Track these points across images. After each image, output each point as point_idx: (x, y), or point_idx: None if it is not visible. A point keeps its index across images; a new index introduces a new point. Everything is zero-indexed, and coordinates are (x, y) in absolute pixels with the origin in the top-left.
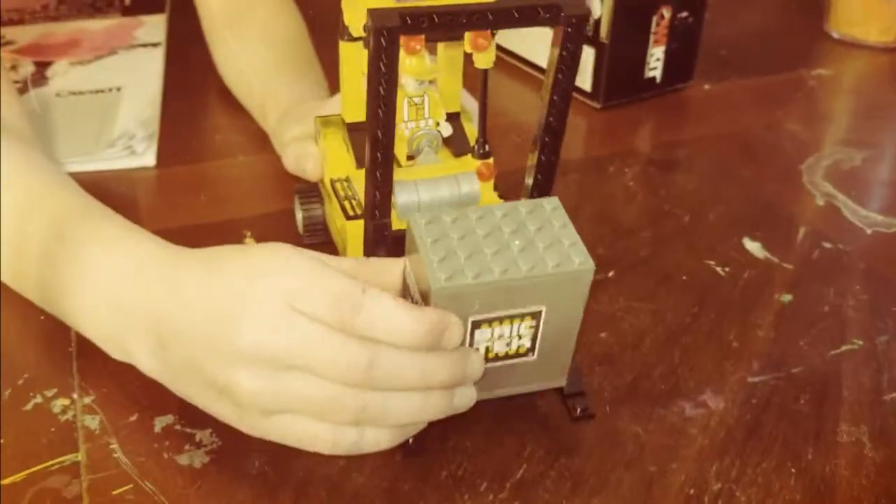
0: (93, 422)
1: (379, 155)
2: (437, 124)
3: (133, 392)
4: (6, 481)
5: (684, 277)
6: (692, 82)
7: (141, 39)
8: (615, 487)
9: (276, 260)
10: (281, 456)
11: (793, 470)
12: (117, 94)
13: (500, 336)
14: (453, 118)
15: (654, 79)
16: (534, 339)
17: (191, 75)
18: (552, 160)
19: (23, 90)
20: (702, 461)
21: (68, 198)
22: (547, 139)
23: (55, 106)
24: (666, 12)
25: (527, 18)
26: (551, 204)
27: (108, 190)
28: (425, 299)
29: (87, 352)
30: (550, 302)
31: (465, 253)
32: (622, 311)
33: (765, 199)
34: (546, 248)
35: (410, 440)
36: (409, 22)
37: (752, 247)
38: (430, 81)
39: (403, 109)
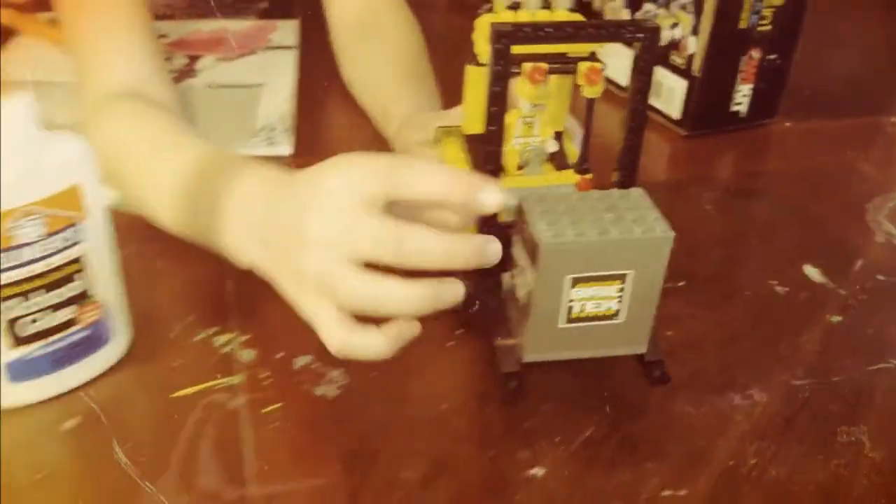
0: (248, 355)
1: (490, 163)
2: (544, 141)
3: (279, 335)
4: (179, 394)
5: (747, 293)
6: (776, 119)
7: (276, 42)
8: (667, 455)
9: (341, 160)
10: (395, 398)
11: (819, 457)
12: (258, 90)
13: (593, 296)
14: (558, 137)
15: (738, 113)
16: (620, 302)
17: (319, 78)
18: (630, 176)
19: (176, 80)
20: (743, 441)
21: (210, 150)
22: (626, 157)
23: (204, 96)
24: (755, 53)
25: (611, 34)
26: (638, 192)
27: None
28: (534, 258)
29: (243, 300)
30: (636, 266)
31: (568, 220)
32: (688, 317)
33: (829, 231)
34: (634, 221)
35: (513, 384)
36: (520, 32)
37: (812, 272)
38: (541, 105)
39: (517, 127)
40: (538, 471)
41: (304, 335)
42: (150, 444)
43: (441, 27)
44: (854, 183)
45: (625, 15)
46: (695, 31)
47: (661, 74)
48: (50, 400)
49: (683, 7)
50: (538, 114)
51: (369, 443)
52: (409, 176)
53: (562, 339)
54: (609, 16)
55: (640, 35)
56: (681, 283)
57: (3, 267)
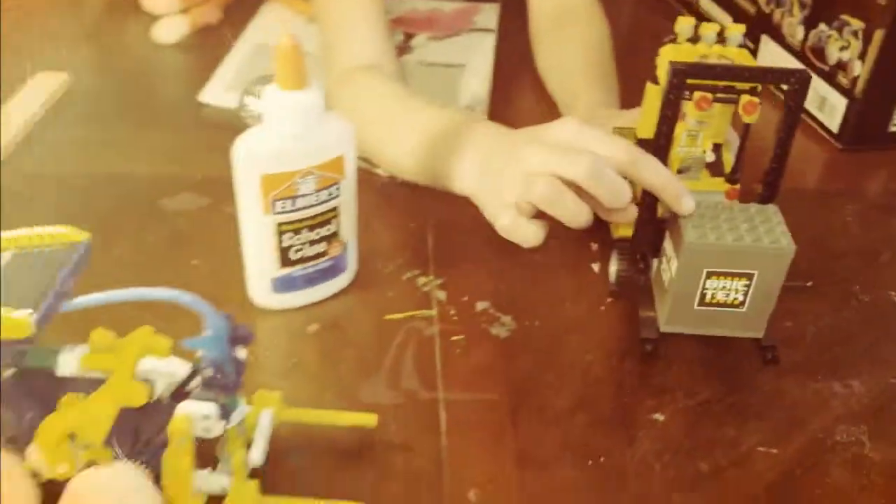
0: (441, 295)
1: None
2: (704, 152)
3: (466, 283)
4: (389, 317)
5: (866, 299)
6: None
7: (478, 24)
8: (767, 421)
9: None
10: (551, 346)
11: None
12: (460, 70)
13: (723, 287)
14: (717, 148)
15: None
16: (745, 295)
17: (514, 62)
18: (771, 193)
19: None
20: (836, 421)
21: (446, 110)
22: (770, 176)
23: (416, 72)
24: None
25: (773, 76)
26: (773, 209)
27: None
28: (678, 252)
29: (440, 252)
30: (760, 268)
31: (710, 225)
32: (808, 312)
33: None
34: (765, 232)
35: (648, 347)
36: (693, 69)
37: None
38: (705, 122)
39: (683, 137)
40: (659, 416)
41: (484, 285)
42: (368, 351)
43: (627, 23)
44: None
45: (800, 32)
46: (861, 57)
47: (825, 91)
48: (300, 308)
49: (855, 33)
50: (702, 129)
51: (529, 375)
52: (646, 160)
53: (694, 317)
54: (786, 30)
55: (794, 81)
56: (808, 283)
57: (283, 210)
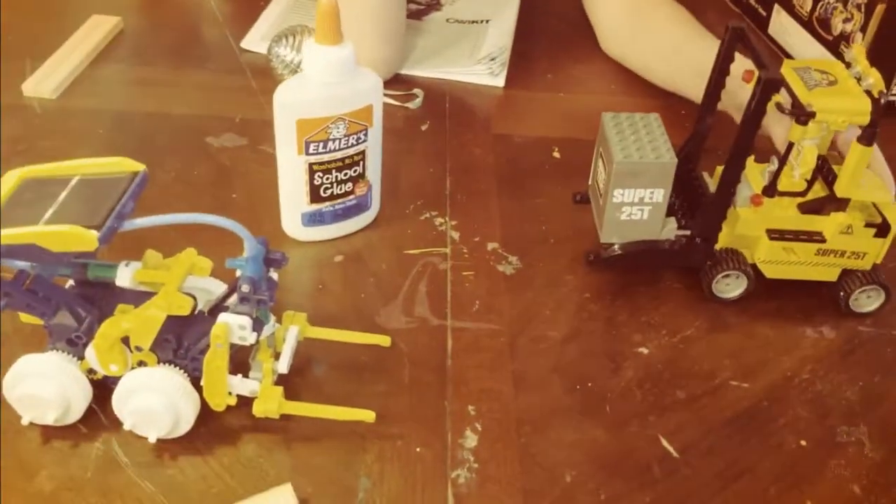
0: (454, 234)
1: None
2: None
3: (478, 225)
4: (408, 251)
5: None
6: None
7: None
8: (741, 358)
9: None
10: (552, 283)
11: (860, 383)
12: (485, 26)
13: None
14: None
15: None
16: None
17: (539, 16)
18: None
19: (424, 13)
20: (803, 362)
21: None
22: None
23: (443, 28)
24: None
25: None
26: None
27: (462, 98)
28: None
29: (455, 196)
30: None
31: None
32: None
33: None
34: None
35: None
36: (779, 81)
37: None
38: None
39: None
40: (644, 349)
41: (494, 228)
42: (386, 281)
43: None
44: None
45: (809, 2)
46: (863, 29)
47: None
48: (328, 241)
49: (858, 6)
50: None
51: (529, 308)
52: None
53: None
54: (796, 2)
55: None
56: None
57: (315, 152)
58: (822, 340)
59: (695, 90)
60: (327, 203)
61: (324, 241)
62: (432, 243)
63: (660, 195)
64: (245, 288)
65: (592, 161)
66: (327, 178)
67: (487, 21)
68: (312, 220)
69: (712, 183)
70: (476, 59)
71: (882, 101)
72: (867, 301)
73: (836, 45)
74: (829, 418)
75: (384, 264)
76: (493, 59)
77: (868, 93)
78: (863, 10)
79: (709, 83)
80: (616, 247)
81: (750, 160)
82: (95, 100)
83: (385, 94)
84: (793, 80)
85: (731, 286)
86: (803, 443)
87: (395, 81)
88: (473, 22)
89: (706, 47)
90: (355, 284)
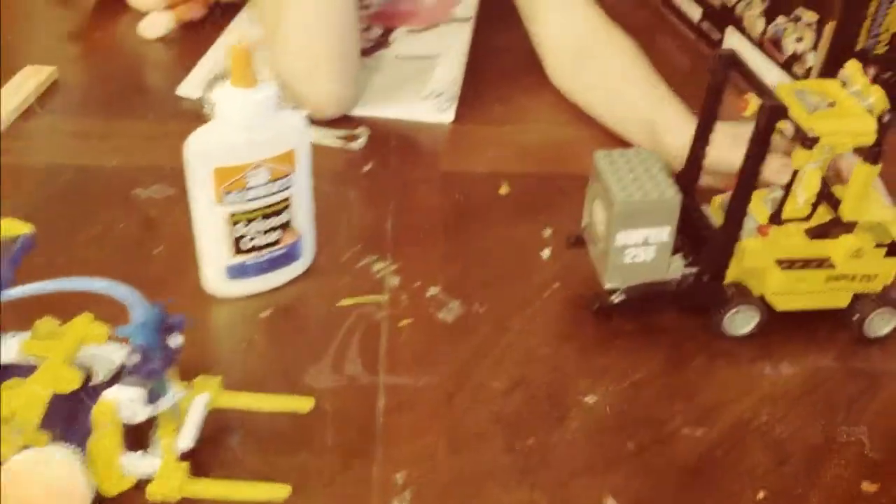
0: (394, 280)
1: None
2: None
3: (420, 269)
4: (341, 303)
5: None
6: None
7: (457, 15)
8: (696, 402)
9: None
10: (497, 328)
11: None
12: (434, 61)
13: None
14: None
15: None
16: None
17: (490, 51)
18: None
19: (372, 49)
20: (762, 402)
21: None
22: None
23: (392, 65)
24: (870, 71)
25: None
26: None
27: (409, 136)
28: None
29: (398, 238)
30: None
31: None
32: None
33: None
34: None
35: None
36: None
37: None
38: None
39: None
40: (591, 397)
41: (437, 270)
42: (316, 337)
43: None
44: None
45: (760, 24)
46: (814, 48)
47: (781, 82)
48: (254, 295)
49: (809, 25)
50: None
51: (470, 358)
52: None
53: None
54: (747, 23)
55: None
56: None
57: (234, 201)
58: (781, 378)
59: (638, 138)
60: (252, 255)
61: (251, 295)
62: (369, 292)
63: (665, 234)
64: (134, 358)
65: (585, 202)
66: (250, 229)
67: (436, 56)
68: (236, 273)
69: (713, 214)
70: (422, 96)
71: (886, 119)
72: (882, 324)
73: (788, 66)
74: (789, 465)
75: (315, 318)
76: (439, 95)
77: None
78: (814, 28)
79: (702, 112)
80: (621, 291)
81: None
82: (25, 153)
83: (325, 137)
84: (792, 104)
85: (742, 322)
86: (762, 495)
87: (339, 122)
88: (422, 58)
89: (652, 96)
90: (283, 341)
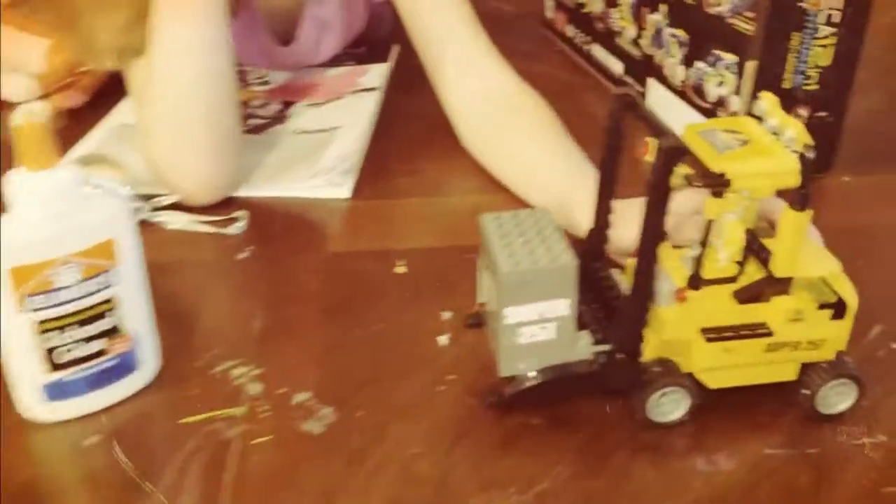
0: (255, 388)
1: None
2: None
3: (289, 371)
4: (186, 420)
5: None
6: (832, 173)
7: (363, 84)
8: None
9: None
10: (374, 438)
11: None
12: (334, 133)
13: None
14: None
15: None
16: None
17: (402, 118)
18: None
19: (268, 126)
20: None
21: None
22: None
23: (287, 141)
24: (802, 111)
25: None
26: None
27: (298, 216)
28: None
29: (266, 337)
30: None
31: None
32: None
33: (862, 289)
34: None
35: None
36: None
37: None
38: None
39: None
40: None
41: (309, 372)
42: (151, 465)
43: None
44: None
45: (680, 72)
46: (736, 91)
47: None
48: (81, 417)
49: (728, 67)
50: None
51: (336, 479)
52: None
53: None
54: (667, 71)
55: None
56: None
57: (40, 306)
58: (717, 475)
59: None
60: (72, 370)
61: (79, 417)
62: (223, 403)
63: (564, 306)
64: None
65: (477, 274)
66: (65, 338)
67: (336, 129)
68: (56, 393)
69: (624, 281)
70: (314, 172)
71: (809, 156)
72: (838, 399)
73: (713, 113)
74: None
75: (151, 441)
76: (331, 171)
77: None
78: (734, 70)
79: (602, 165)
80: (520, 379)
81: (666, 247)
82: None
83: (193, 222)
84: (698, 145)
85: (671, 406)
86: None
87: (215, 205)
88: (321, 131)
89: (565, 169)
90: (106, 475)
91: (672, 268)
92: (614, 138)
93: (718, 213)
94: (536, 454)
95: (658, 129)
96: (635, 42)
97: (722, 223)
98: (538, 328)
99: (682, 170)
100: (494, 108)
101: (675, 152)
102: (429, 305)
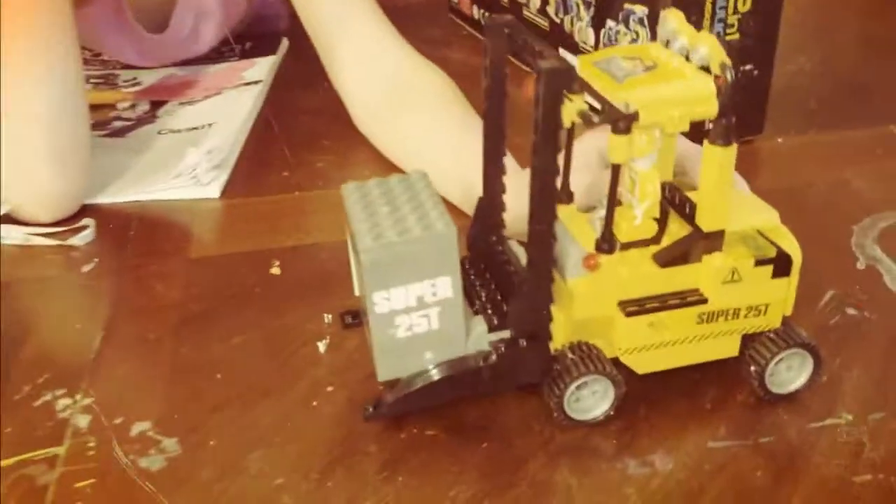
0: (83, 420)
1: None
2: None
3: (128, 398)
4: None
5: None
6: (765, 135)
7: (246, 79)
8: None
9: None
10: (226, 472)
11: None
12: (206, 131)
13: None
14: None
15: None
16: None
17: (288, 114)
18: None
19: (133, 127)
20: None
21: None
22: None
23: (152, 142)
24: None
25: None
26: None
27: (158, 221)
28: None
29: (105, 360)
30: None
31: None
32: None
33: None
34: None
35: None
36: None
37: None
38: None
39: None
40: None
41: (153, 398)
42: None
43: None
44: (842, 202)
45: (591, 35)
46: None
47: None
48: None
49: (640, 21)
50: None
51: None
52: None
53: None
54: (578, 37)
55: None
56: None
57: None
58: (653, 478)
59: (455, 199)
60: None
61: None
62: (41, 442)
63: (447, 286)
64: None
65: (350, 260)
66: None
67: (210, 125)
68: None
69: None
70: (177, 172)
71: (730, 76)
72: (791, 375)
73: None
74: None
75: None
76: (194, 170)
77: (706, 70)
78: (646, 23)
79: (486, 117)
80: (404, 384)
81: (571, 209)
82: None
83: (28, 236)
84: (594, 76)
85: (592, 400)
86: None
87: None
88: (193, 129)
89: (469, 148)
90: None
91: (580, 232)
92: (496, 81)
93: (625, 155)
94: (431, 473)
95: (542, 54)
96: (542, 11)
97: (635, 172)
98: (418, 317)
99: (577, 104)
100: (393, 86)
101: (559, 75)
102: (307, 308)
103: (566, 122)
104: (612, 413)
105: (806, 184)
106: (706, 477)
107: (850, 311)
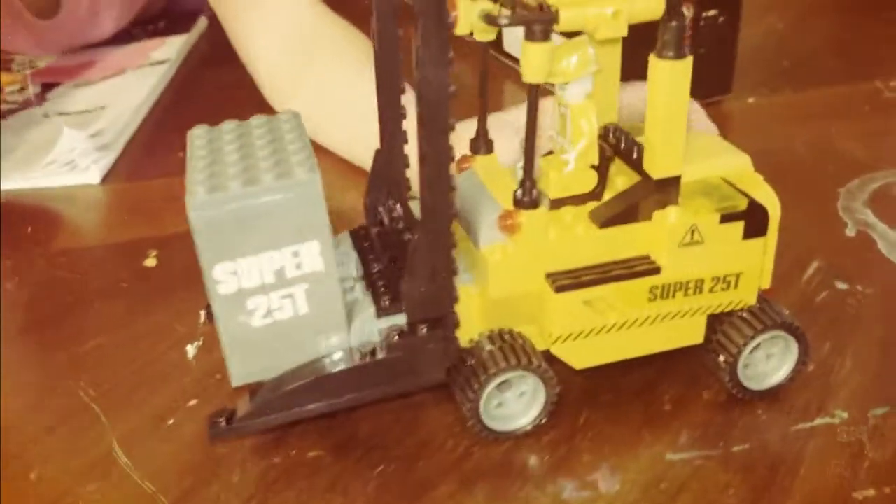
0: None
1: None
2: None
3: None
4: None
5: None
6: (733, 94)
7: (154, 59)
8: None
9: None
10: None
11: None
12: (99, 113)
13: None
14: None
15: None
16: None
17: (198, 93)
18: None
19: (18, 109)
20: None
21: None
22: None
23: (32, 126)
24: (686, 11)
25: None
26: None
27: (25, 209)
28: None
29: None
30: None
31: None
32: None
33: (785, 222)
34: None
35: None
36: None
37: None
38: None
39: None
40: None
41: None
42: None
43: None
44: (827, 163)
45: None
46: None
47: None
48: None
49: None
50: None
51: None
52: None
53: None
54: None
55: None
56: None
57: None
58: (597, 503)
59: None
60: None
61: None
62: None
63: (314, 254)
64: None
65: None
66: None
67: (104, 108)
68: None
69: None
70: (50, 158)
71: None
72: (770, 365)
73: None
74: None
75: None
76: (72, 153)
77: None
78: None
79: (378, 51)
80: (266, 389)
81: (491, 159)
82: None
83: None
84: None
85: (517, 405)
86: None
87: None
88: (85, 112)
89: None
90: None
91: (499, 187)
92: (384, 16)
93: (543, 71)
94: (337, 487)
95: None
96: None
97: (564, 105)
98: (279, 298)
99: (479, 2)
100: (298, 51)
101: None
102: (181, 304)
103: (464, 27)
104: (543, 421)
105: (783, 145)
106: (664, 498)
107: (840, 284)
